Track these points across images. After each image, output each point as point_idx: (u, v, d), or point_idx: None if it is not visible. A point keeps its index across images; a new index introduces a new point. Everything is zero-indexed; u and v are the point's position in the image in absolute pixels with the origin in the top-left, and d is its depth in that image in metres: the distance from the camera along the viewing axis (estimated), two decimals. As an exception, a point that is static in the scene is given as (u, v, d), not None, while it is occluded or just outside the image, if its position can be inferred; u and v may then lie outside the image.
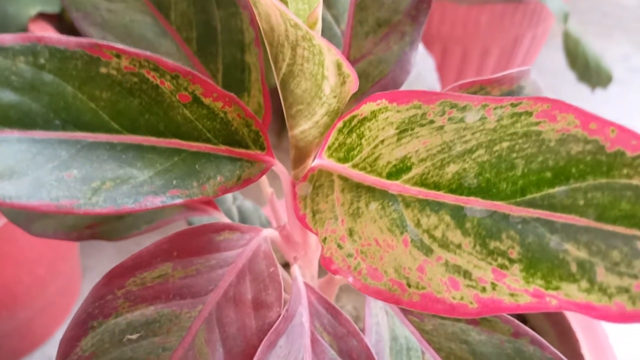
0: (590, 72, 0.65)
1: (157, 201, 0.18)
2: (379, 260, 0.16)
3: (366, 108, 0.19)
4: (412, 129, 0.17)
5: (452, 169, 0.16)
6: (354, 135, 0.19)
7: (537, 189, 0.14)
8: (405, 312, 0.25)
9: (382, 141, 0.18)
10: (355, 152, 0.19)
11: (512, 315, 0.27)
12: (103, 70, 0.17)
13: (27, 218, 0.28)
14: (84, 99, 0.17)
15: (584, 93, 0.73)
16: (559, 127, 0.14)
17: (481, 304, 0.14)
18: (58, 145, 0.17)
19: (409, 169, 0.17)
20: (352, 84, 0.19)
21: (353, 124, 0.19)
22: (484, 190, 0.15)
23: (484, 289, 0.14)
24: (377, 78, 0.27)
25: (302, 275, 0.25)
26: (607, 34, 0.92)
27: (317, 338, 0.22)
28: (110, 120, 0.18)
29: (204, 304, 0.21)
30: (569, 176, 0.14)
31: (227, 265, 0.22)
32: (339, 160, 0.20)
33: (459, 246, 0.15)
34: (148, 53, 0.18)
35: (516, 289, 0.14)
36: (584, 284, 0.13)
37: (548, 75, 0.83)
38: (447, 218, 0.15)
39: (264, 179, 0.29)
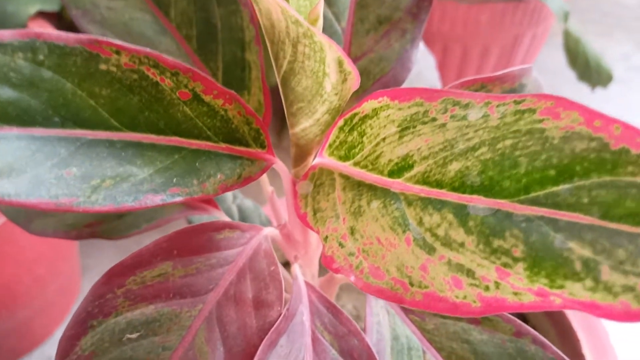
0: (591, 71, 0.65)
1: (157, 199, 0.17)
2: (381, 259, 0.16)
3: (367, 106, 0.19)
4: (414, 127, 0.17)
5: (454, 167, 0.16)
6: (355, 133, 0.19)
7: (541, 187, 0.14)
8: (406, 311, 0.24)
9: (384, 139, 0.18)
10: (357, 150, 0.19)
11: (512, 314, 0.27)
12: (103, 66, 0.17)
13: (26, 217, 0.27)
14: (84, 96, 0.17)
15: (584, 92, 0.73)
16: (563, 125, 0.14)
17: (484, 302, 0.14)
18: (57, 143, 0.17)
19: (411, 167, 0.17)
20: (354, 82, 0.18)
21: (354, 121, 0.19)
22: (487, 189, 0.15)
23: (487, 288, 0.14)
24: (378, 76, 0.26)
25: (303, 274, 0.25)
26: (607, 33, 0.92)
27: (318, 337, 0.22)
28: (110, 118, 0.17)
29: (204, 303, 0.21)
30: (573, 174, 0.14)
31: (228, 263, 0.22)
32: (340, 158, 0.20)
33: (462, 245, 0.15)
34: (148, 50, 0.17)
35: (520, 288, 0.14)
36: (589, 282, 0.13)
37: (548, 74, 0.83)
38: (450, 216, 0.15)
39: (264, 177, 0.29)
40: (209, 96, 0.19)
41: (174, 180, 0.18)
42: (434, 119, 0.17)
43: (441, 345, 0.23)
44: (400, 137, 0.17)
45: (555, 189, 0.14)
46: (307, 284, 0.24)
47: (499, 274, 0.14)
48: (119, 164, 0.17)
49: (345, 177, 0.19)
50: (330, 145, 0.20)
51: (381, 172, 0.18)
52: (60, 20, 0.60)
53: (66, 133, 0.17)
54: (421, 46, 0.35)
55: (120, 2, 0.26)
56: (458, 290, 0.14)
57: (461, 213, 0.15)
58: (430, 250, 0.15)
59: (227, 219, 0.32)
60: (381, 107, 0.18)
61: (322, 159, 0.20)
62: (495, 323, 0.23)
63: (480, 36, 0.70)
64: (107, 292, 0.20)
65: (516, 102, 0.15)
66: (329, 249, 0.17)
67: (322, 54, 0.17)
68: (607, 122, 0.13)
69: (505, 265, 0.14)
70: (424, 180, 0.16)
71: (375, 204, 0.17)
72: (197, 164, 0.19)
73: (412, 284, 0.15)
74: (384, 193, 0.17)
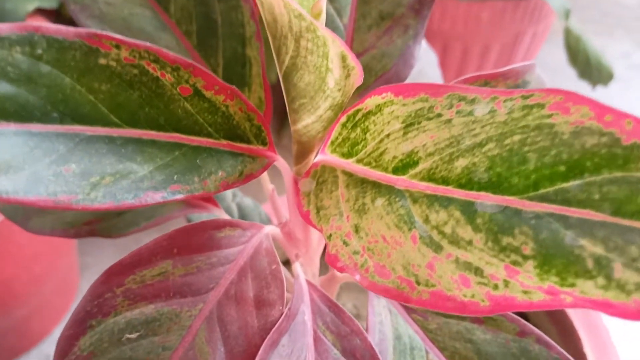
0: (591, 69, 0.64)
1: (157, 197, 0.17)
2: (386, 257, 0.16)
3: (371, 102, 0.18)
4: (419, 123, 0.17)
5: (461, 163, 0.15)
6: (358, 129, 0.19)
7: (551, 183, 0.14)
8: (408, 310, 0.24)
9: (388, 135, 0.18)
10: (360, 147, 0.19)
11: (515, 313, 0.26)
12: (102, 61, 0.17)
13: (24, 214, 0.27)
14: (83, 91, 0.17)
15: (585, 90, 0.73)
16: (573, 120, 0.14)
17: (493, 301, 0.14)
18: (56, 139, 0.16)
19: (416, 163, 0.17)
20: (357, 77, 0.18)
21: (357, 118, 0.19)
22: (495, 185, 0.15)
23: (496, 287, 0.14)
24: (380, 72, 0.26)
25: (304, 272, 0.25)
26: (607, 32, 0.92)
27: (320, 337, 0.22)
28: (110, 113, 0.17)
29: (205, 302, 0.21)
30: (583, 170, 0.13)
31: (228, 262, 0.22)
32: (343, 155, 0.19)
33: (469, 242, 0.15)
34: (148, 44, 0.17)
35: (529, 286, 0.13)
36: (601, 280, 0.13)
37: (549, 72, 0.83)
38: (457, 214, 0.15)
39: (265, 175, 0.29)
40: (210, 92, 0.19)
41: (175, 177, 0.18)
42: (439, 115, 0.16)
43: (444, 344, 0.23)
44: (405, 134, 0.17)
45: (565, 185, 0.13)
46: (309, 282, 0.24)
47: (508, 272, 0.14)
48: (118, 161, 0.17)
49: (349, 175, 0.19)
50: (332, 142, 0.20)
51: (385, 169, 0.17)
52: (59, 17, 0.60)
53: (65, 129, 0.17)
54: (423, 43, 0.34)
55: (119, -2, 0.26)
56: (466, 289, 0.14)
57: (468, 210, 0.15)
58: (437, 248, 0.15)
59: (227, 217, 0.32)
60: (385, 103, 0.18)
61: (324, 156, 0.20)
62: (499, 322, 0.23)
63: (481, 34, 0.70)
64: (106, 291, 0.20)
65: (524, 97, 0.15)
66: (333, 247, 0.17)
67: (325, 49, 0.17)
68: (618, 116, 0.13)
69: (514, 263, 0.14)
70: (430, 177, 0.16)
71: (380, 201, 0.17)
72: (198, 161, 0.19)
73: (418, 283, 0.15)
74: (388, 190, 0.17)
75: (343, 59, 0.17)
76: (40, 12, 0.57)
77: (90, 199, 0.16)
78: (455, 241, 0.15)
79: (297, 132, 0.21)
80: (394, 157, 0.17)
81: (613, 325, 0.38)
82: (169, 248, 0.21)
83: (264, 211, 0.38)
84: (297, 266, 0.25)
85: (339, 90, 0.19)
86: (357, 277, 0.16)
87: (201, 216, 0.33)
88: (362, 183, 0.18)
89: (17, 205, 0.27)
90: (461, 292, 0.14)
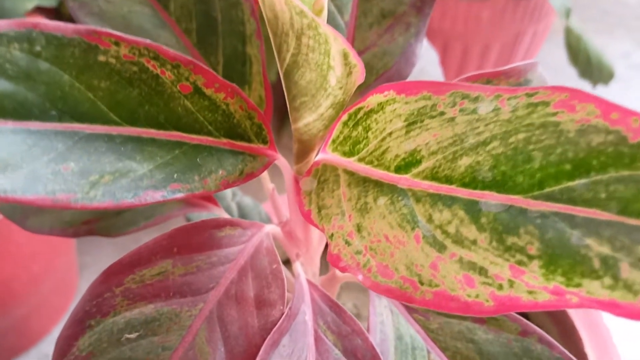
0: (592, 69, 0.64)
1: (157, 195, 0.17)
2: (389, 257, 0.16)
3: (373, 100, 0.18)
4: (422, 121, 0.17)
5: (465, 162, 0.15)
6: (360, 128, 0.19)
7: (556, 182, 0.13)
8: (410, 310, 0.24)
9: (390, 134, 0.18)
10: (362, 145, 0.18)
11: (517, 313, 0.26)
12: (101, 58, 0.17)
13: (22, 213, 0.27)
14: (82, 89, 0.16)
15: (585, 90, 0.73)
16: (578, 118, 0.13)
17: (497, 302, 0.14)
18: (54, 137, 0.16)
19: (418, 162, 0.16)
20: (359, 75, 0.18)
21: (359, 116, 0.19)
22: (500, 184, 0.14)
23: (500, 287, 0.14)
24: (381, 71, 0.26)
25: (304, 272, 0.25)
26: (607, 31, 0.92)
27: (321, 337, 0.21)
28: (109, 111, 0.17)
29: (205, 302, 0.21)
30: (589, 168, 0.13)
31: (229, 261, 0.22)
32: (344, 154, 0.19)
33: (474, 242, 0.14)
34: (148, 41, 0.17)
35: (535, 286, 0.13)
36: (608, 280, 0.12)
37: (549, 71, 0.83)
38: (461, 213, 0.15)
39: (265, 174, 0.28)
40: (210, 89, 0.19)
41: (175, 176, 0.18)
42: (442, 113, 0.16)
43: (446, 344, 0.23)
44: (407, 132, 0.17)
45: (571, 184, 0.13)
46: (310, 282, 0.23)
47: (513, 272, 0.14)
48: (118, 159, 0.17)
49: (350, 173, 0.19)
50: (334, 141, 0.20)
51: (387, 168, 0.17)
52: (58, 15, 0.60)
53: (64, 127, 0.16)
54: (424, 41, 0.34)
55: (119, -5, 0.25)
56: (470, 289, 0.14)
57: (473, 209, 0.15)
58: (441, 247, 0.15)
59: (227, 216, 0.32)
60: (387, 101, 0.18)
61: (325, 154, 0.20)
62: (501, 322, 0.23)
63: (481, 33, 0.70)
64: (105, 291, 0.20)
65: (528, 95, 0.14)
66: (335, 247, 0.17)
67: (326, 46, 0.17)
68: (624, 114, 0.13)
69: (519, 263, 0.14)
70: (433, 175, 0.16)
71: (382, 200, 0.17)
72: (198, 160, 0.19)
73: (422, 283, 0.15)
74: (390, 189, 0.17)
75: (345, 56, 0.17)
76: (40, 10, 0.57)
77: (89, 198, 0.16)
78: (459, 241, 0.15)
79: (298, 130, 0.21)
80: (397, 156, 0.17)
81: (614, 324, 0.38)
82: (169, 247, 0.21)
83: (264, 210, 0.38)
84: (297, 266, 0.25)
85: (341, 88, 0.18)
86: (360, 277, 0.16)
87: (201, 215, 0.33)
88: (364, 182, 0.18)
89: (16, 204, 0.27)
90: (465, 292, 0.14)
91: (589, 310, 0.37)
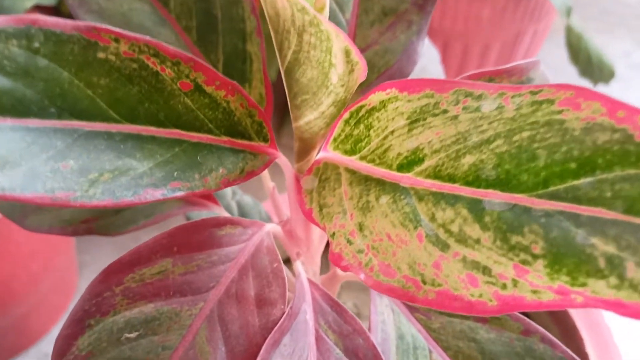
0: (593, 68, 0.64)
1: (157, 194, 0.17)
2: (391, 256, 0.16)
3: (375, 98, 0.18)
4: (424, 119, 0.16)
5: (468, 160, 0.15)
6: (362, 126, 0.18)
7: (561, 181, 0.13)
8: (411, 309, 0.24)
9: (392, 132, 0.17)
10: (363, 143, 0.18)
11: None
12: (101, 55, 0.17)
13: (21, 212, 0.27)
14: (81, 86, 0.16)
15: (586, 89, 0.72)
16: (584, 116, 0.13)
17: (501, 301, 0.13)
18: (53, 135, 0.16)
19: (421, 160, 0.16)
20: (361, 72, 0.18)
21: (361, 114, 0.18)
22: (504, 183, 0.14)
23: (504, 286, 0.13)
24: (383, 69, 0.26)
25: (305, 271, 0.25)
26: (607, 30, 0.91)
27: (322, 336, 0.21)
28: (109, 109, 0.17)
29: (205, 301, 0.21)
30: (594, 167, 0.13)
31: (229, 260, 0.22)
32: (346, 152, 0.19)
33: (477, 241, 0.14)
34: (148, 38, 0.17)
35: (539, 286, 0.13)
36: (613, 280, 0.12)
37: (550, 70, 0.83)
38: (464, 212, 0.15)
39: (265, 173, 0.28)
40: (210, 87, 0.18)
41: (175, 174, 0.18)
42: (445, 111, 0.16)
43: (447, 344, 0.23)
44: (410, 130, 0.17)
45: (576, 182, 0.13)
46: (310, 281, 0.23)
47: (517, 272, 0.13)
48: (117, 157, 0.17)
49: (352, 172, 0.18)
50: (335, 139, 0.19)
51: (390, 167, 0.17)
52: (57, 14, 0.60)
53: (63, 124, 0.16)
54: (425, 40, 0.34)
55: (118, -8, 0.25)
56: (473, 288, 0.14)
57: (476, 208, 0.14)
58: (444, 247, 0.15)
59: (227, 215, 0.31)
60: (389, 99, 0.17)
61: (326, 153, 0.20)
62: (503, 321, 0.23)
63: (482, 33, 0.70)
64: (105, 290, 0.20)
65: (533, 93, 0.14)
66: (336, 246, 0.17)
67: (328, 44, 0.17)
68: (631, 112, 0.13)
69: (524, 262, 0.13)
70: (436, 174, 0.16)
71: (384, 199, 0.17)
72: (198, 158, 0.18)
73: (424, 282, 0.15)
74: (393, 188, 0.17)
75: (347, 53, 0.17)
76: (39, 9, 0.57)
77: (89, 196, 0.16)
78: (462, 240, 0.14)
79: (299, 128, 0.21)
80: (399, 154, 0.17)
81: (615, 324, 0.38)
82: (169, 246, 0.21)
83: (264, 209, 0.38)
84: (298, 265, 0.25)
85: (343, 86, 0.18)
86: (362, 276, 0.16)
87: (201, 214, 0.33)
88: (366, 180, 0.18)
89: (14, 203, 0.27)
90: (468, 292, 0.14)
91: (590, 310, 0.37)
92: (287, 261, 0.35)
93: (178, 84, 0.18)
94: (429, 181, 0.16)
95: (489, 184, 0.14)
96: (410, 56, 0.25)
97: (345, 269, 0.16)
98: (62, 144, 0.16)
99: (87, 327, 0.19)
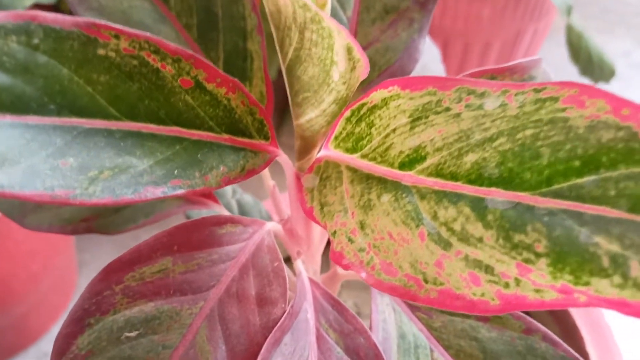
0: (593, 66, 0.64)
1: (157, 192, 0.17)
2: (393, 254, 0.15)
3: (376, 95, 0.18)
4: (427, 117, 0.16)
5: (470, 158, 0.15)
6: (363, 124, 0.18)
7: (565, 179, 0.13)
8: (412, 308, 0.24)
9: (394, 130, 0.17)
10: (365, 141, 0.18)
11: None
12: (101, 52, 0.16)
13: (20, 210, 0.27)
14: (81, 83, 0.16)
15: (586, 88, 0.72)
16: (588, 114, 0.13)
17: (503, 300, 0.13)
18: (53, 132, 0.16)
19: (423, 158, 0.16)
20: (363, 70, 0.18)
21: (362, 112, 0.18)
22: (507, 181, 0.14)
23: (507, 285, 0.13)
24: (384, 67, 0.26)
25: (305, 270, 0.25)
26: (608, 29, 0.91)
27: (323, 335, 0.21)
28: (108, 106, 0.17)
29: (206, 300, 0.20)
30: (599, 165, 0.13)
31: (230, 259, 0.21)
32: (347, 150, 0.19)
33: (480, 240, 0.14)
34: (148, 34, 0.17)
35: (542, 285, 0.13)
36: (617, 279, 0.12)
37: (550, 69, 0.82)
38: (467, 210, 0.15)
39: (266, 171, 0.28)
40: (211, 84, 0.18)
41: (175, 172, 0.17)
42: (447, 109, 0.16)
43: (449, 343, 0.23)
44: (412, 128, 0.17)
45: (579, 180, 0.13)
46: (311, 280, 0.23)
47: (519, 270, 0.13)
48: (117, 155, 0.17)
49: (353, 170, 0.18)
50: (336, 137, 0.19)
51: (391, 165, 0.17)
52: (57, 12, 0.59)
53: (62, 121, 0.16)
54: (427, 38, 0.34)
55: (118, -10, 0.25)
56: (476, 287, 0.14)
57: (479, 206, 0.14)
58: (446, 245, 0.15)
59: (227, 213, 0.31)
60: (391, 96, 0.17)
61: (327, 151, 0.19)
62: (505, 320, 0.23)
63: (482, 31, 0.70)
64: (105, 288, 0.20)
65: (536, 91, 0.14)
66: (337, 245, 0.17)
67: (330, 41, 0.17)
68: (636, 110, 0.12)
69: (526, 261, 0.13)
70: (438, 172, 0.16)
71: (386, 197, 0.17)
72: (199, 156, 0.18)
73: (426, 281, 0.15)
74: (394, 186, 0.17)
75: (349, 51, 0.17)
76: (38, 7, 0.57)
77: (88, 194, 0.16)
78: (465, 238, 0.14)
79: (300, 126, 0.21)
80: (401, 152, 0.17)
81: (615, 323, 0.38)
82: (169, 245, 0.21)
83: (264, 208, 0.38)
84: (299, 263, 0.25)
85: (344, 83, 0.18)
86: (363, 274, 0.16)
87: (201, 213, 0.33)
88: (368, 179, 0.18)
89: (14, 201, 0.27)
90: (471, 291, 0.14)
91: (591, 309, 0.37)
92: (288, 260, 0.35)
93: (179, 81, 0.18)
94: (431, 179, 0.16)
95: (492, 182, 0.14)
96: (412, 54, 0.25)
97: (346, 267, 0.16)
98: (62, 141, 0.16)
99: (86, 326, 0.19)
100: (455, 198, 0.15)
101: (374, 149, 0.18)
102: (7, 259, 0.45)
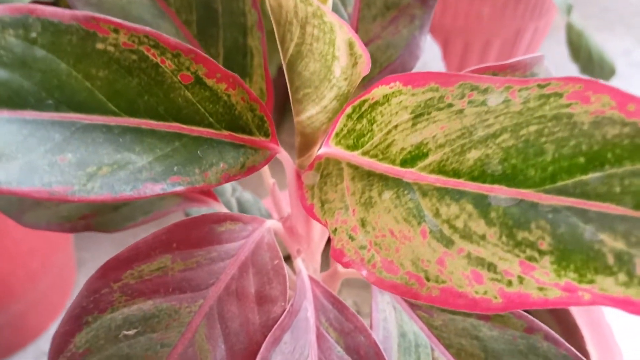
0: (594, 65, 0.64)
1: (157, 188, 0.16)
2: (394, 252, 0.15)
3: (378, 92, 0.18)
4: (429, 113, 0.16)
5: (473, 155, 0.15)
6: (365, 120, 0.18)
7: (569, 176, 0.13)
8: (413, 307, 0.24)
9: (396, 126, 0.17)
10: (366, 138, 0.18)
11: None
12: (100, 46, 0.16)
13: (18, 208, 0.26)
14: (79, 78, 0.16)
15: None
16: (593, 109, 0.13)
17: (506, 298, 0.13)
18: (51, 127, 0.16)
19: (425, 155, 0.16)
20: (364, 65, 0.18)
21: (363, 109, 0.18)
22: (510, 178, 0.14)
23: (509, 283, 0.13)
24: (385, 64, 0.25)
25: (305, 268, 0.24)
26: (608, 28, 0.91)
27: (323, 334, 0.21)
28: (107, 101, 0.16)
29: (205, 298, 0.20)
30: (604, 161, 0.13)
31: (229, 257, 0.21)
32: (348, 147, 0.19)
33: (482, 237, 0.14)
34: (148, 29, 0.16)
35: (545, 283, 0.13)
36: (622, 277, 0.12)
37: (550, 67, 0.82)
38: (469, 207, 0.14)
39: (266, 168, 0.28)
40: (211, 80, 0.18)
41: (175, 168, 0.17)
42: (450, 105, 0.16)
43: (450, 341, 0.23)
44: (414, 125, 0.17)
45: (584, 177, 0.13)
46: (311, 278, 0.23)
47: (523, 268, 0.13)
48: (116, 151, 0.16)
49: (354, 167, 0.18)
50: (337, 134, 0.19)
51: (393, 162, 0.17)
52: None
53: (60, 117, 0.16)
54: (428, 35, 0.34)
55: (118, -15, 0.25)
56: (478, 285, 0.14)
57: (481, 204, 0.14)
58: (448, 243, 0.14)
59: (227, 211, 0.31)
60: (393, 93, 0.17)
61: (328, 148, 0.19)
62: (506, 319, 0.22)
63: (482, 29, 0.70)
64: (103, 286, 0.20)
65: (540, 86, 0.14)
66: (338, 242, 0.17)
67: (332, 36, 0.16)
68: (641, 106, 0.12)
69: (530, 258, 0.13)
70: (440, 169, 0.15)
71: (387, 194, 0.16)
72: (198, 152, 0.18)
73: (428, 279, 0.14)
74: (396, 183, 0.16)
75: (350, 46, 0.17)
76: (37, 4, 0.57)
77: (87, 190, 0.15)
78: (467, 236, 0.14)
79: (300, 123, 0.21)
80: (402, 149, 0.17)
81: (616, 322, 0.38)
82: (168, 242, 0.21)
83: (264, 206, 0.38)
84: (299, 261, 0.24)
85: (346, 79, 0.18)
86: (364, 272, 0.15)
87: (200, 210, 0.33)
88: (369, 176, 0.17)
89: (12, 198, 0.26)
90: (473, 289, 0.14)
91: (591, 308, 0.37)
92: (287, 258, 0.35)
93: (178, 76, 0.18)
94: (433, 176, 0.16)
95: (495, 179, 0.14)
96: (413, 51, 0.25)
97: (347, 265, 0.16)
98: (60, 136, 0.16)
99: (84, 324, 0.19)
100: (457, 195, 0.15)
101: (376, 146, 0.18)
102: (6, 257, 0.45)
